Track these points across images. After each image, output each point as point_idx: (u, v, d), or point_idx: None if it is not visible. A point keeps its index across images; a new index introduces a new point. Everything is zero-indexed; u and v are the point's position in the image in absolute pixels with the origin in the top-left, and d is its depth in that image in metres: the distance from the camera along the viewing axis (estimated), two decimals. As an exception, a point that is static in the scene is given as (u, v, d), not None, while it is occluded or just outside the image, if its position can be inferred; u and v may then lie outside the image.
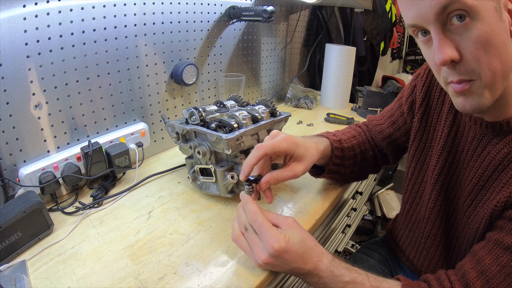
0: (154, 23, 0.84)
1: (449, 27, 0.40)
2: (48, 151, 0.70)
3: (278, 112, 0.77)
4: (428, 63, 0.48)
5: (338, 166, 0.69)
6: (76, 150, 0.72)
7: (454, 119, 0.57)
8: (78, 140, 0.75)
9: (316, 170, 0.72)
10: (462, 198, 0.56)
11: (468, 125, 0.54)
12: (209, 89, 1.08)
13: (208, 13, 0.98)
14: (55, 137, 0.70)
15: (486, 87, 0.41)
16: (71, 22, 0.67)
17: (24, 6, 0.60)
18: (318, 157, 0.63)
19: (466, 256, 0.48)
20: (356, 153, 0.72)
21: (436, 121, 0.61)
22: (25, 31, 0.61)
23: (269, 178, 0.54)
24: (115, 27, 0.76)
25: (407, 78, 2.51)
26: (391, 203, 1.78)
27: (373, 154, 0.75)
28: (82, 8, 0.68)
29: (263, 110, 0.74)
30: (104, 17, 0.73)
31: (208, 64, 1.04)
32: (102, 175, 0.73)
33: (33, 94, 0.64)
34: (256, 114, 0.72)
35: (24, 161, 0.66)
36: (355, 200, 1.07)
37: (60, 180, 0.68)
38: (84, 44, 0.70)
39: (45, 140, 0.69)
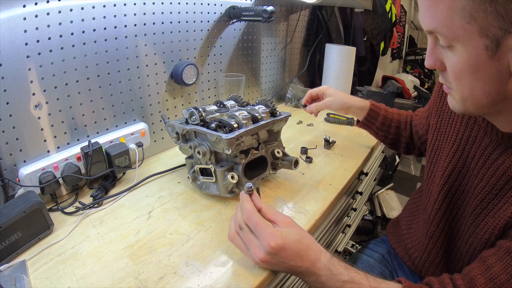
0: (154, 23, 0.84)
1: (439, 43, 0.43)
2: (48, 151, 0.70)
3: (278, 112, 0.77)
4: None
5: (370, 123, 0.89)
6: (76, 150, 0.72)
7: (468, 122, 0.57)
8: (78, 140, 0.75)
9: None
10: (471, 206, 0.55)
11: (484, 131, 0.54)
12: (209, 89, 1.08)
13: (208, 13, 0.98)
14: (55, 137, 0.70)
15: (461, 101, 0.45)
16: (71, 22, 0.67)
17: (24, 6, 0.60)
18: (347, 99, 0.89)
19: (474, 262, 0.48)
20: (392, 126, 0.87)
21: (447, 123, 0.62)
22: (25, 31, 0.61)
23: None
24: (115, 27, 0.76)
25: (407, 78, 2.52)
26: (391, 203, 1.78)
27: (410, 134, 0.85)
28: (82, 8, 0.68)
29: (263, 110, 0.74)
30: (104, 17, 0.73)
31: (208, 64, 1.04)
32: (102, 175, 0.73)
33: (33, 94, 0.64)
34: (256, 114, 0.72)
35: (24, 161, 0.66)
36: (355, 200, 1.07)
37: (60, 180, 0.68)
38: (84, 44, 0.71)
39: (45, 140, 0.69)
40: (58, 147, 0.71)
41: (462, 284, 0.45)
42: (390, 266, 0.79)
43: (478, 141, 0.55)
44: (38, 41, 0.63)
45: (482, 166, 0.54)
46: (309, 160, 0.90)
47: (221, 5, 1.01)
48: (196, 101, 1.04)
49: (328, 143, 0.99)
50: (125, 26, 0.77)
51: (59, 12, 0.65)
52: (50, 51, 0.65)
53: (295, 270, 0.48)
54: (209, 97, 1.09)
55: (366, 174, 1.02)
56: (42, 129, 0.68)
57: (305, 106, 0.96)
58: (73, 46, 0.69)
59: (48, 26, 0.64)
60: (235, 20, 1.06)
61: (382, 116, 0.87)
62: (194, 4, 0.93)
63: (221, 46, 1.06)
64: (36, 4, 0.61)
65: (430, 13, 0.40)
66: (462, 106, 0.46)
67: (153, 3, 0.82)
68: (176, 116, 0.98)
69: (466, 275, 0.47)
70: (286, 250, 0.46)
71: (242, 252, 0.52)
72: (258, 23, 1.19)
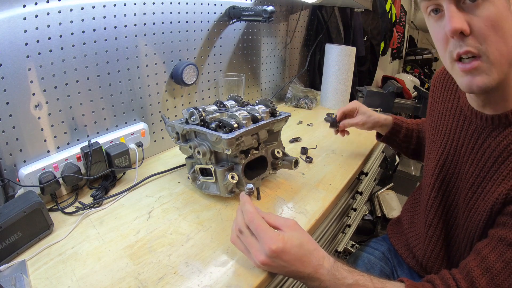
0: (154, 23, 0.84)
1: (462, 5, 0.43)
2: (48, 151, 0.70)
3: (278, 112, 0.77)
4: (435, 40, 0.49)
5: (394, 135, 0.89)
6: (76, 150, 0.72)
7: (454, 115, 0.60)
8: (78, 140, 0.75)
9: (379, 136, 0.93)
10: (464, 191, 0.57)
11: (469, 119, 0.56)
12: (209, 89, 1.08)
13: (208, 13, 0.98)
14: (55, 137, 0.70)
15: (493, 66, 0.43)
16: (71, 22, 0.67)
17: (24, 6, 0.60)
18: (377, 118, 0.88)
19: (470, 255, 0.49)
20: (413, 136, 0.88)
21: (439, 118, 0.65)
22: (25, 31, 0.61)
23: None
24: (115, 27, 0.76)
25: (407, 78, 2.51)
26: (391, 203, 1.78)
27: None
28: (82, 8, 0.68)
29: (263, 110, 0.74)
30: (104, 17, 0.73)
31: (208, 64, 1.04)
32: (102, 175, 0.73)
33: (33, 94, 0.64)
34: (256, 114, 0.72)
35: (24, 161, 0.66)
36: (355, 200, 1.07)
37: (60, 180, 0.68)
38: (84, 44, 0.71)
39: (45, 140, 0.69)
40: (58, 147, 0.71)
41: (461, 278, 0.46)
42: (390, 264, 0.80)
43: (465, 129, 0.57)
44: (38, 41, 0.63)
45: (470, 152, 0.56)
46: (309, 160, 0.90)
47: (221, 5, 1.01)
48: (196, 101, 1.04)
49: (335, 124, 0.93)
50: (125, 26, 0.77)
51: (59, 12, 0.65)
52: (50, 51, 0.65)
53: (297, 275, 0.48)
54: (209, 97, 1.09)
55: (366, 174, 1.02)
56: (42, 129, 0.67)
57: (336, 122, 0.91)
58: (73, 46, 0.69)
59: (48, 26, 0.64)
60: (235, 20, 1.06)
61: (405, 128, 0.88)
62: (194, 4, 0.93)
63: (221, 46, 1.06)
64: (36, 4, 0.61)
65: None
66: (496, 71, 0.44)
67: (153, 3, 0.82)
68: (176, 116, 0.98)
69: (463, 268, 0.47)
70: (286, 254, 0.46)
71: (244, 254, 0.52)
72: (258, 23, 1.19)
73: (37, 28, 0.62)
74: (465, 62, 0.45)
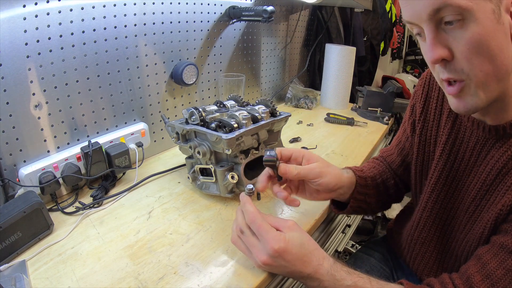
0: (154, 23, 0.84)
1: (442, 27, 0.40)
2: (48, 151, 0.70)
3: (278, 112, 0.77)
4: (424, 58, 0.47)
5: (364, 195, 0.66)
6: (76, 150, 0.72)
7: (452, 126, 0.56)
8: (78, 140, 0.75)
9: (340, 205, 0.69)
10: (465, 205, 0.55)
11: (470, 130, 0.53)
12: (209, 89, 1.08)
13: (208, 13, 0.98)
14: (55, 137, 0.70)
15: (479, 88, 0.41)
16: (71, 22, 0.67)
17: (24, 6, 0.60)
18: (338, 172, 0.63)
19: (470, 260, 0.48)
20: (379, 183, 0.71)
21: (436, 132, 0.60)
22: (25, 31, 0.61)
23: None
24: (115, 27, 0.76)
25: (407, 78, 2.51)
26: (391, 203, 1.78)
27: (395, 183, 0.73)
28: (82, 8, 0.68)
29: (263, 110, 0.74)
30: (104, 17, 0.73)
31: (208, 64, 1.04)
32: (102, 175, 0.73)
33: (33, 94, 0.64)
34: (256, 114, 0.72)
35: (24, 161, 0.66)
36: (355, 200, 1.07)
37: (60, 180, 0.68)
38: (84, 44, 0.70)
39: (45, 140, 0.69)
40: (58, 147, 0.71)
41: (460, 283, 0.46)
42: (390, 265, 0.80)
43: (465, 142, 0.54)
44: (38, 41, 0.63)
45: (473, 165, 0.53)
46: (309, 160, 0.90)
47: (221, 5, 1.01)
48: (196, 101, 1.04)
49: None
50: (125, 26, 0.77)
51: (59, 12, 0.65)
52: (50, 51, 0.65)
53: (298, 275, 0.48)
54: (209, 97, 1.09)
55: (366, 174, 1.02)
56: (42, 129, 0.67)
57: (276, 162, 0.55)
58: (73, 46, 0.69)
59: (48, 26, 0.64)
60: (235, 20, 1.06)
61: (369, 177, 0.69)
62: (194, 4, 0.93)
63: (221, 46, 1.06)
64: (36, 4, 0.61)
65: None
66: (483, 92, 0.41)
67: (153, 3, 0.82)
68: (176, 116, 0.98)
69: (463, 274, 0.47)
70: (288, 253, 0.46)
71: (245, 254, 0.52)
72: (258, 23, 1.19)
73: (37, 28, 0.62)
74: (452, 84, 0.43)
